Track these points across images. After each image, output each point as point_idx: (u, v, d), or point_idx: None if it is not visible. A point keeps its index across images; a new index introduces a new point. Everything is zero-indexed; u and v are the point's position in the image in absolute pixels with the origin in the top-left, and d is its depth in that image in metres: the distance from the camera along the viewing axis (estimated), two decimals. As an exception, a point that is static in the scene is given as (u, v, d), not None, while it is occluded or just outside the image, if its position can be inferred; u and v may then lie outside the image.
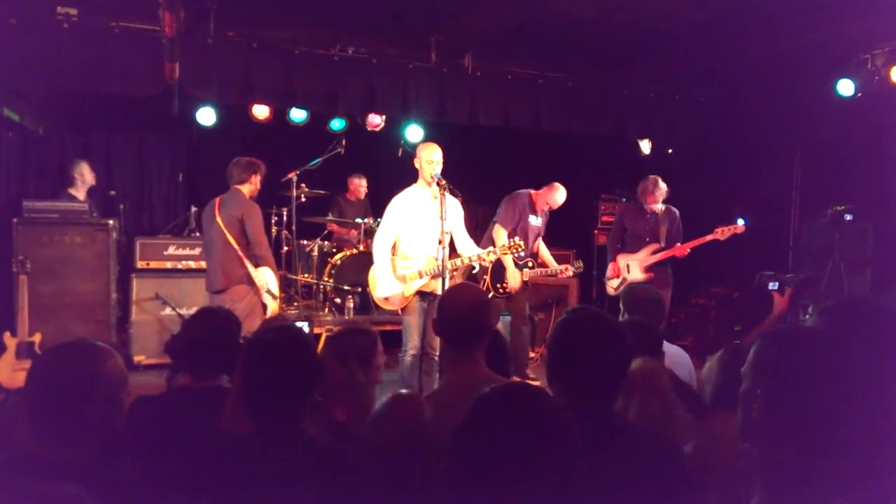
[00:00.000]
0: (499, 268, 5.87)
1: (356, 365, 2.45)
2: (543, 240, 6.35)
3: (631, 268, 5.96)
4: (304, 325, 5.37)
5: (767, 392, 1.48)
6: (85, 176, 6.59)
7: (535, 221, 6.11)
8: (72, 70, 5.37)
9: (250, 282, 4.85)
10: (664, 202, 5.99)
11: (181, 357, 2.53)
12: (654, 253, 5.91)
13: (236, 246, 4.82)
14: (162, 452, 2.22)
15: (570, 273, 6.15)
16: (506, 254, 5.00)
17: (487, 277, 5.95)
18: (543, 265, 6.18)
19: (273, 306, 4.94)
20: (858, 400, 1.49)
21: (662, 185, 5.92)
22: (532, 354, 6.46)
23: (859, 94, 6.23)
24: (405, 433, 1.82)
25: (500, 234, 5.88)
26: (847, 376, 1.47)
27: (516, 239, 4.98)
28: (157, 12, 4.93)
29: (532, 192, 6.12)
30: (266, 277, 4.91)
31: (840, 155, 7.00)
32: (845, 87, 6.28)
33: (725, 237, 5.80)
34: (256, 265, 4.89)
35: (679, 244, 5.86)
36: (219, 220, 4.88)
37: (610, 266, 6.12)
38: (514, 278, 5.89)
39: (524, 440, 1.41)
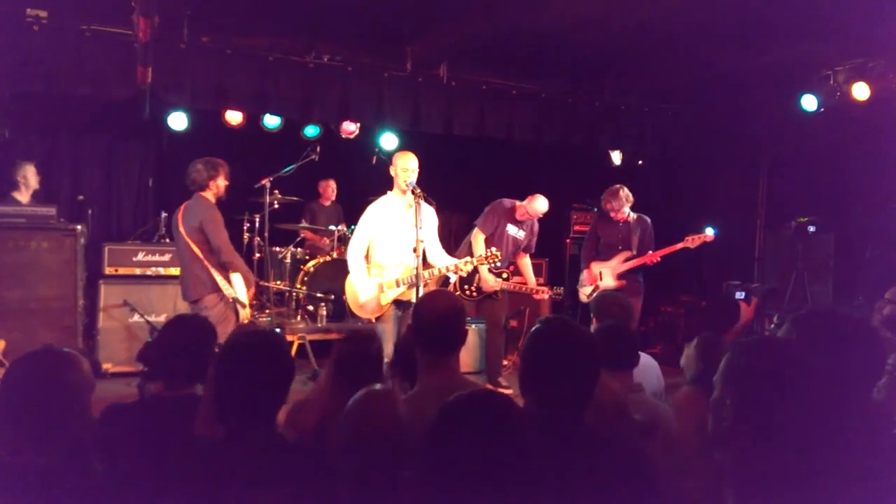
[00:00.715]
0: (471, 270, 5.85)
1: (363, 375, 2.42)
2: (531, 256, 6.34)
3: (604, 275, 6.01)
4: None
5: (736, 401, 1.52)
6: (29, 179, 6.34)
7: (514, 231, 6.04)
8: (41, 73, 5.31)
9: (219, 290, 4.71)
10: (635, 211, 6.07)
11: (155, 365, 2.50)
12: (626, 261, 5.96)
13: (201, 255, 4.65)
14: (135, 461, 2.20)
15: (545, 296, 6.13)
16: (483, 264, 5.01)
17: (456, 279, 5.94)
18: (521, 278, 6.17)
19: (244, 314, 4.83)
20: (826, 410, 1.54)
21: (622, 195, 5.92)
22: (504, 362, 6.49)
23: (822, 110, 6.40)
24: (377, 427, 1.83)
25: (477, 238, 5.89)
26: (814, 386, 1.52)
27: (493, 249, 5.01)
28: (129, 16, 4.88)
29: (517, 202, 6.08)
30: (235, 286, 4.74)
31: (804, 168, 7.19)
32: (809, 103, 6.44)
33: (696, 245, 5.88)
34: (228, 271, 4.75)
35: (651, 251, 5.92)
36: (182, 229, 4.71)
37: (585, 273, 6.16)
38: (486, 282, 5.90)
39: (488, 446, 1.44)
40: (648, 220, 6.10)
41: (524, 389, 2.01)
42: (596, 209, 7.88)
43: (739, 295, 4.25)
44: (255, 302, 7.18)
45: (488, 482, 1.43)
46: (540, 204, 6.00)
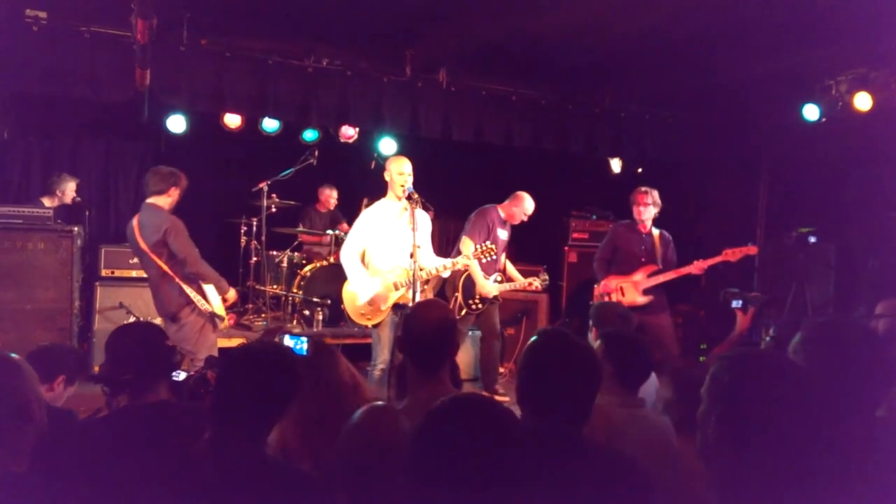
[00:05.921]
0: (470, 283, 5.84)
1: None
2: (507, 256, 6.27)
3: (626, 290, 5.52)
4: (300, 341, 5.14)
5: (720, 415, 1.50)
6: (66, 194, 6.60)
7: (504, 235, 6.00)
8: (39, 74, 5.28)
9: (192, 302, 4.56)
10: (657, 227, 5.80)
11: (111, 382, 2.45)
12: (652, 275, 5.53)
13: (170, 271, 4.50)
14: (109, 476, 2.15)
15: (537, 286, 5.97)
16: (478, 258, 4.96)
17: (459, 295, 5.87)
18: (510, 280, 6.07)
19: (222, 326, 4.73)
20: (812, 425, 1.51)
21: (656, 194, 5.70)
22: (501, 370, 6.44)
23: (824, 119, 6.37)
24: (379, 445, 1.80)
25: (467, 246, 5.78)
26: (805, 401, 1.49)
27: (487, 243, 4.97)
28: (128, 18, 4.87)
29: (499, 206, 6.00)
30: (210, 299, 4.60)
31: (805, 177, 7.16)
32: (810, 112, 6.42)
33: (737, 258, 5.55)
34: (198, 282, 4.59)
35: (696, 262, 5.50)
36: (144, 246, 4.49)
37: (602, 284, 5.64)
38: (484, 287, 5.78)
39: (478, 448, 1.41)
40: (670, 236, 5.79)
41: (521, 401, 1.98)
42: (595, 216, 7.85)
43: (736, 303, 4.19)
44: (250, 305, 7.18)
45: (477, 486, 1.40)
46: (530, 204, 5.93)
